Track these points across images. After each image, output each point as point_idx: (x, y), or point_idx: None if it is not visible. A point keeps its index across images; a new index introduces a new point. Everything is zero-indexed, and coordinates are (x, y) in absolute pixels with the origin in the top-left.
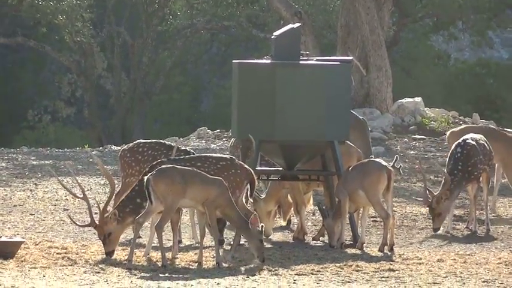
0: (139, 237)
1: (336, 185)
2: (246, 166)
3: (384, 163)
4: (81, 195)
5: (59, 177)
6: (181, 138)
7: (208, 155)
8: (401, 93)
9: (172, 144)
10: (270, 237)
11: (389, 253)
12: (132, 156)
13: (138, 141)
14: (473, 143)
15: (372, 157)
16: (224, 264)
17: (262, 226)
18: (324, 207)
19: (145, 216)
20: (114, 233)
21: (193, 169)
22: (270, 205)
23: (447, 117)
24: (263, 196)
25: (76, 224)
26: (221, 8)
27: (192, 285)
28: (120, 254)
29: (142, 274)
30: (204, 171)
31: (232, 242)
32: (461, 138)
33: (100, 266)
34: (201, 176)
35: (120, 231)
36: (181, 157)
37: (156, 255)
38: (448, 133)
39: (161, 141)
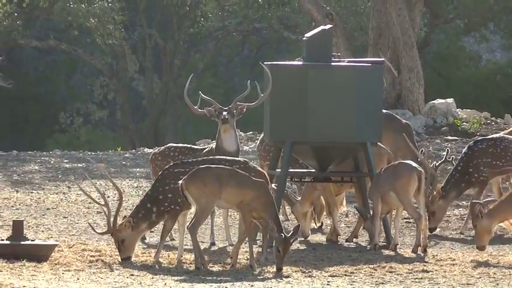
0: (173, 239)
1: (368, 186)
2: (260, 169)
3: (415, 164)
4: (103, 202)
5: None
6: (213, 141)
7: (222, 157)
8: (433, 94)
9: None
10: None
11: (422, 254)
12: (164, 160)
13: (169, 145)
14: (483, 145)
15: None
16: (258, 267)
17: (284, 235)
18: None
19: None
20: (128, 239)
21: (233, 169)
22: (305, 207)
23: (479, 118)
24: (299, 198)
25: (95, 231)
26: (252, 9)
27: (226, 287)
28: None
29: (177, 277)
30: None
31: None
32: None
33: (134, 268)
34: (239, 177)
35: (134, 238)
36: (194, 159)
37: (190, 258)
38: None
39: (191, 146)
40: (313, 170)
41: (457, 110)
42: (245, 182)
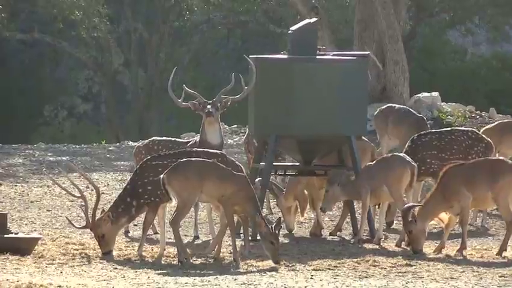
0: (156, 233)
1: (355, 179)
2: (236, 162)
3: (408, 158)
4: (79, 195)
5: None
6: (198, 134)
7: (200, 149)
8: (418, 87)
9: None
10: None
11: (407, 249)
12: (148, 153)
13: (153, 138)
14: (427, 138)
15: None
16: (241, 260)
17: (271, 227)
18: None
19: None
20: (108, 234)
21: (214, 163)
22: (289, 200)
23: (464, 112)
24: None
25: (74, 226)
26: (237, 2)
27: (209, 281)
28: (136, 251)
29: (160, 270)
30: None
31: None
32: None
33: (117, 262)
34: (219, 171)
35: (114, 232)
36: (171, 152)
37: (173, 251)
38: (482, 130)
39: (175, 139)
40: (298, 164)
41: (442, 103)
42: (226, 176)
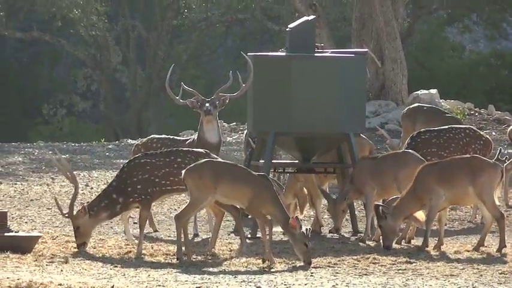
0: (157, 230)
1: (354, 177)
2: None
3: (418, 155)
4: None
5: (74, 172)
6: (196, 132)
7: (187, 149)
8: (417, 85)
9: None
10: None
11: (412, 246)
12: (147, 151)
13: (151, 136)
14: (426, 136)
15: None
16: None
17: (307, 229)
18: (380, 207)
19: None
20: (83, 226)
21: (235, 165)
22: (288, 198)
23: (463, 109)
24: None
25: (61, 211)
26: (235, 0)
27: (209, 278)
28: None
29: (160, 268)
30: (184, 167)
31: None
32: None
33: (117, 259)
34: (238, 172)
35: (90, 225)
36: (160, 151)
37: (173, 249)
38: (509, 129)
39: (174, 137)
40: (296, 161)
41: (441, 100)
42: (244, 178)
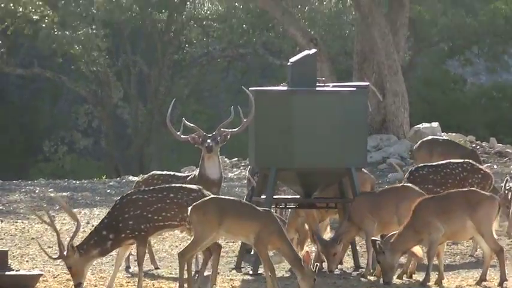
0: (158, 268)
1: (353, 213)
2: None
3: (418, 189)
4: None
5: (75, 209)
6: (198, 168)
7: (179, 185)
8: (418, 118)
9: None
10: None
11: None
12: None
13: (152, 173)
14: (424, 171)
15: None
16: None
17: (316, 265)
18: (378, 242)
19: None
20: (76, 266)
21: (239, 201)
22: (290, 233)
23: (464, 142)
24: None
25: (48, 256)
26: (236, 35)
27: None
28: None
29: None
30: (177, 202)
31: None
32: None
33: None
34: (242, 209)
35: (82, 264)
36: (153, 188)
37: (175, 286)
38: None
39: (175, 173)
40: (298, 196)
41: (442, 134)
42: (249, 214)
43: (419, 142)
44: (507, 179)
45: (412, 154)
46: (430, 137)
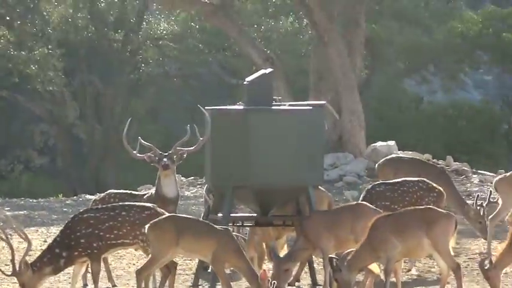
0: (115, 285)
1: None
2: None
3: (373, 207)
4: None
5: (32, 228)
6: (154, 186)
7: (132, 203)
8: (374, 136)
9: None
10: None
11: None
12: None
13: (109, 191)
14: (381, 188)
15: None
16: None
17: (274, 283)
18: (334, 259)
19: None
20: (28, 283)
21: (197, 219)
22: (250, 252)
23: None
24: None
25: (3, 273)
26: (193, 54)
27: None
28: None
29: None
30: (129, 220)
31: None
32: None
33: None
34: (199, 227)
35: (35, 281)
36: (103, 206)
37: None
38: (495, 180)
39: (132, 191)
40: (255, 214)
41: (399, 152)
42: (206, 231)
43: (383, 159)
44: (477, 195)
45: (375, 171)
46: (394, 155)
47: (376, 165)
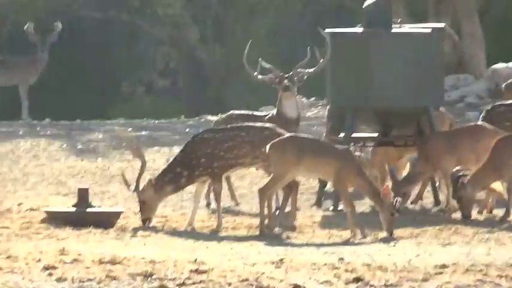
0: (238, 204)
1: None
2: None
3: (492, 127)
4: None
5: (154, 147)
6: (275, 107)
7: (251, 124)
8: (495, 58)
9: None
10: None
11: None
12: None
13: (231, 112)
14: (501, 109)
15: None
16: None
17: (396, 200)
18: (460, 176)
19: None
20: (149, 201)
21: (318, 140)
22: (372, 172)
23: None
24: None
25: (127, 187)
26: None
27: (292, 250)
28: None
29: (242, 241)
30: (248, 141)
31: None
32: None
33: (200, 232)
34: (320, 147)
35: (156, 200)
36: (223, 127)
37: (255, 222)
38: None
39: (253, 112)
40: (376, 135)
41: None
42: (327, 152)
43: (511, 80)
44: None
45: (497, 92)
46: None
47: (504, 85)
